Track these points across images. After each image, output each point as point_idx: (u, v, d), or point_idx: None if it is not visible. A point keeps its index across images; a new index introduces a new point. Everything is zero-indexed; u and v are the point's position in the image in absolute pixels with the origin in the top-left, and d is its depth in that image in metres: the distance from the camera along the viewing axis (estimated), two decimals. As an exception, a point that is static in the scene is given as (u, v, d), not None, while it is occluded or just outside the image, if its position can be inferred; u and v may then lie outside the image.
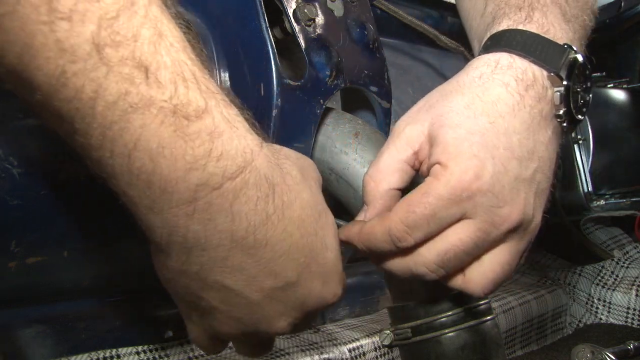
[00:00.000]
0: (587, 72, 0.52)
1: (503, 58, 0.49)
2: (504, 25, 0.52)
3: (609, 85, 1.27)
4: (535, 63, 0.49)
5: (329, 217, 0.45)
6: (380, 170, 0.50)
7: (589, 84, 0.52)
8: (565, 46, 0.50)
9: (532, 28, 0.51)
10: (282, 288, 0.42)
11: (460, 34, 1.05)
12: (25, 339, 0.56)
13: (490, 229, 0.46)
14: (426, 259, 0.47)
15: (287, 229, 0.41)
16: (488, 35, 0.53)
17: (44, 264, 0.53)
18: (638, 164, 1.24)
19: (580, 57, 0.50)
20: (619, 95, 1.28)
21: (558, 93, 0.48)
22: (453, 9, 1.05)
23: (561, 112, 0.49)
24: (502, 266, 0.48)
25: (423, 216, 0.46)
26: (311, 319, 0.48)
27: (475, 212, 0.45)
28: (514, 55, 0.49)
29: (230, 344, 0.60)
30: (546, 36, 0.50)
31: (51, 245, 0.53)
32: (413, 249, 0.47)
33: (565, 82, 0.48)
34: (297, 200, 0.42)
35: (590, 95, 0.53)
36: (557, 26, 0.51)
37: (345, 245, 0.50)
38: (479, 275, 0.48)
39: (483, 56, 0.51)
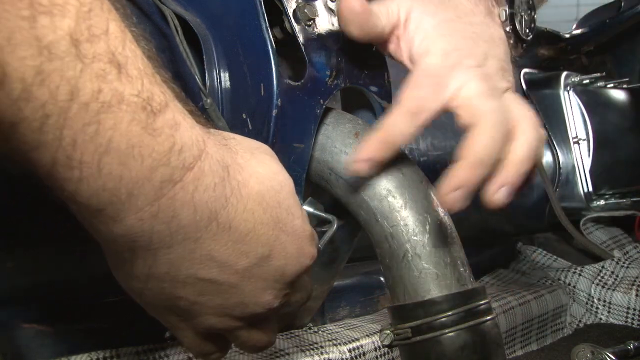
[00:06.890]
0: (531, 2, 0.68)
1: None
2: None
3: (609, 85, 1.27)
4: None
5: (290, 185, 0.45)
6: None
7: (533, 14, 0.69)
8: None
9: None
10: (257, 264, 0.41)
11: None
12: (25, 339, 0.56)
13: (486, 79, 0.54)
14: None
15: (248, 207, 0.40)
16: None
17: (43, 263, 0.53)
18: (638, 164, 1.24)
19: None
20: (619, 95, 1.28)
21: (504, 10, 0.63)
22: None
23: (508, 29, 0.64)
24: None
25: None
26: (301, 286, 0.47)
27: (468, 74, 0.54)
28: None
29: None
30: None
31: (48, 244, 0.53)
32: None
33: (507, 6, 0.63)
34: (253, 176, 0.42)
35: (535, 22, 0.69)
36: None
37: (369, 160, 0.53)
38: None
39: None
